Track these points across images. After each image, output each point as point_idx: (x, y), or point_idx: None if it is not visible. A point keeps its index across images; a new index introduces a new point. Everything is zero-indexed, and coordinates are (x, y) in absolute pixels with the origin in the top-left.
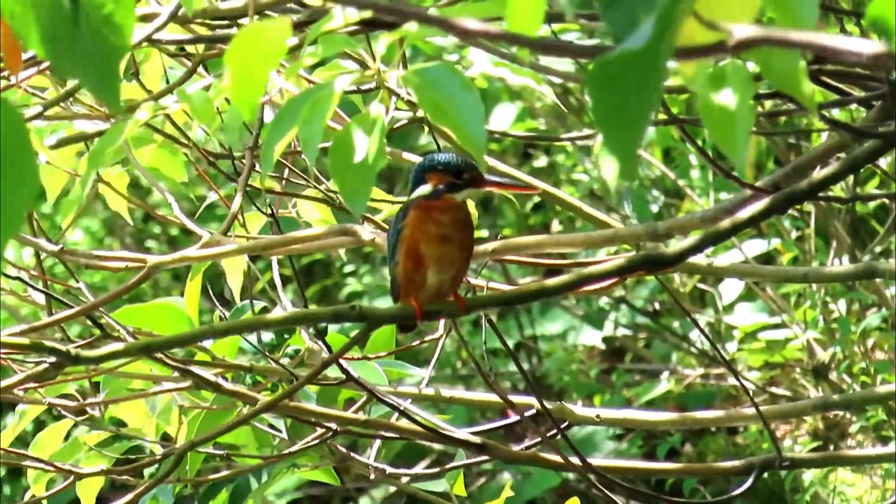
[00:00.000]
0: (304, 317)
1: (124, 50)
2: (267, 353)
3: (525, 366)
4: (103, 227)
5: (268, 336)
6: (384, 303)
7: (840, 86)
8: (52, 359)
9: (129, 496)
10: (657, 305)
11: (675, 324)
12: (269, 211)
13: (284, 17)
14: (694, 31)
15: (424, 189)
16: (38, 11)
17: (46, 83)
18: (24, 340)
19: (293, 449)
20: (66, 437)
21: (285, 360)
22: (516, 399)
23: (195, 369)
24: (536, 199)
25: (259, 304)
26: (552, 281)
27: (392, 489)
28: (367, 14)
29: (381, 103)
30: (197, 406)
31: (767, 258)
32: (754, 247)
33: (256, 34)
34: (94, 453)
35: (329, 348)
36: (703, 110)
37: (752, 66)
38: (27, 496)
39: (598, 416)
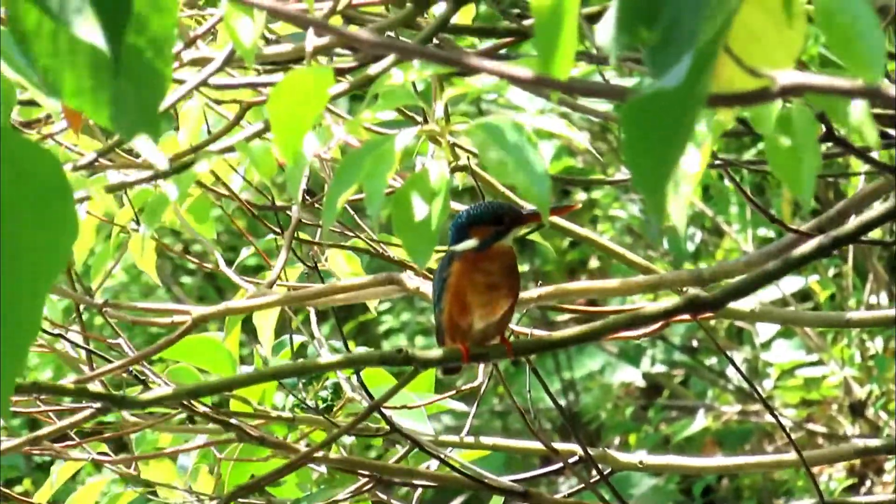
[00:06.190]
0: (352, 360)
1: (161, 96)
2: (305, 403)
3: (562, 402)
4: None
5: (323, 392)
6: (422, 342)
7: (883, 128)
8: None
9: None
10: (694, 342)
11: (713, 360)
12: (311, 262)
13: (327, 66)
14: (734, 75)
15: (470, 244)
16: (73, 62)
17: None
18: (69, 385)
19: (337, 498)
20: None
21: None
22: (559, 446)
23: (237, 422)
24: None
25: (299, 339)
26: (598, 324)
27: None
28: (428, 74)
29: (439, 159)
30: (238, 460)
31: (804, 294)
32: (791, 284)
33: (298, 81)
34: None
35: (370, 395)
36: (769, 150)
37: None
38: None
39: (640, 462)
